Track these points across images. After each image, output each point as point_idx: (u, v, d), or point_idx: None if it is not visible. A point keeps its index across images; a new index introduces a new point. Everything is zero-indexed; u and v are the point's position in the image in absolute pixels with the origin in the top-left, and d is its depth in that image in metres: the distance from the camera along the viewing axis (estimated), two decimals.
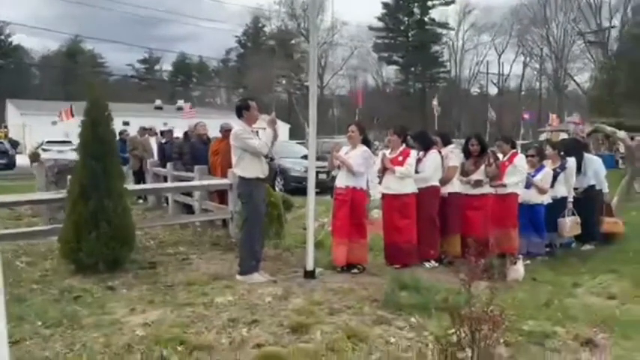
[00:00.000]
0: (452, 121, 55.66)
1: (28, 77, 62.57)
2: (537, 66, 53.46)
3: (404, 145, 5.68)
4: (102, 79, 61.48)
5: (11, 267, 5.13)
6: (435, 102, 24.56)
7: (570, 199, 6.78)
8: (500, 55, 56.20)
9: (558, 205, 6.72)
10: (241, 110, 4.75)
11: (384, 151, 5.82)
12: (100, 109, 5.09)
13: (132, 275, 4.95)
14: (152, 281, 4.77)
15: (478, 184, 5.86)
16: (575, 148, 7.18)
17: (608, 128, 9.07)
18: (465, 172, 5.95)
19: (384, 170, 5.64)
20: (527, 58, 54.24)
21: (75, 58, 61.27)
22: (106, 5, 66.25)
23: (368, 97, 59.05)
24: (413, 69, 60.30)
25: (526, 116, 28.84)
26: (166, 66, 70.97)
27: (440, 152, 5.82)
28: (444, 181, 5.82)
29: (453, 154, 5.95)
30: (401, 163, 5.54)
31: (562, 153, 6.85)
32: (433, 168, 5.68)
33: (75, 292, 4.40)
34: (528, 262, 6.23)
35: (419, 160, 5.72)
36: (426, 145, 5.80)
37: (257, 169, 4.68)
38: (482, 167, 5.88)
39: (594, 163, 7.17)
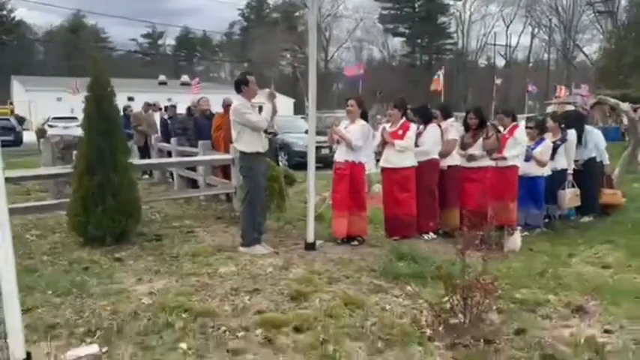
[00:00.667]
0: (459, 94, 55.23)
1: (32, 53, 62.41)
2: (546, 37, 52.58)
3: (404, 119, 5.73)
4: (105, 54, 61.20)
5: (21, 240, 5.30)
6: (440, 75, 24.23)
7: (570, 171, 6.83)
8: (507, 27, 55.30)
9: (558, 177, 6.77)
10: (240, 85, 4.81)
11: (384, 125, 5.87)
12: (102, 84, 5.16)
13: (138, 247, 5.10)
14: (158, 253, 4.93)
15: (472, 157, 5.92)
16: (575, 120, 7.19)
17: (612, 100, 9.03)
18: (464, 145, 6.01)
19: (384, 144, 5.71)
20: (536, 29, 53.40)
21: (78, 33, 60.89)
22: None
23: (373, 71, 58.65)
24: (419, 40, 59.58)
25: (531, 88, 28.52)
26: (170, 41, 70.53)
27: (439, 126, 5.87)
28: (444, 154, 5.88)
29: (453, 128, 6.00)
30: (401, 137, 5.60)
31: (562, 125, 6.86)
32: (432, 141, 5.74)
33: (84, 264, 4.56)
34: (526, 233, 6.34)
35: (419, 134, 5.77)
36: (425, 119, 5.85)
37: (257, 144, 4.76)
38: (480, 140, 5.92)
39: (595, 135, 7.19)
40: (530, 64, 55.88)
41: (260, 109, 4.89)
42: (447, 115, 6.15)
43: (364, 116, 5.43)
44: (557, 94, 24.85)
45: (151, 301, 3.66)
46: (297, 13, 57.09)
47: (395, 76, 55.91)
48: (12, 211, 2.50)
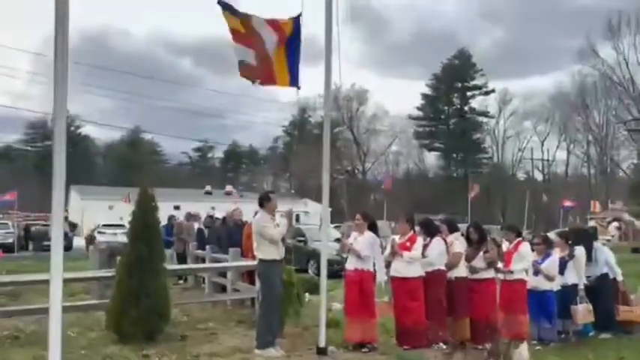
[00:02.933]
0: (496, 207, 55.15)
1: (92, 164, 67.76)
2: (581, 152, 53.12)
3: (412, 232, 6.28)
4: (158, 166, 65.81)
5: (64, 335, 5.89)
6: (474, 189, 24.87)
7: (581, 287, 6.99)
8: (542, 142, 56.31)
9: (570, 292, 6.93)
10: (263, 201, 5.58)
11: (394, 237, 6.42)
12: (148, 199, 6.06)
13: (165, 346, 5.60)
14: (181, 352, 5.41)
15: (473, 270, 6.30)
16: (583, 236, 7.49)
17: (627, 217, 9.28)
18: (467, 258, 6.42)
19: (394, 254, 6.21)
20: (571, 145, 54.12)
21: (135, 146, 66.25)
22: (167, 98, 72.28)
23: (409, 183, 60.02)
24: (455, 155, 61.24)
25: (568, 204, 28.56)
26: (218, 153, 75.29)
27: (444, 239, 6.36)
28: (450, 266, 6.29)
29: (458, 241, 6.45)
30: (408, 249, 6.11)
31: (570, 242, 7.18)
32: (437, 253, 6.20)
33: (115, 358, 5.09)
34: (539, 347, 6.44)
35: (425, 246, 6.26)
36: (430, 232, 6.37)
37: (274, 252, 5.40)
38: (481, 254, 6.34)
39: (604, 251, 7.42)
40: (570, 179, 55.92)
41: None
42: (453, 229, 6.65)
43: (373, 227, 6.02)
44: (592, 209, 24.80)
45: None
46: (335, 130, 60.41)
47: (431, 188, 56.93)
48: None
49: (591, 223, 28.15)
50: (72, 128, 66.01)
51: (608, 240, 23.16)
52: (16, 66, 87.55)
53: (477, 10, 77.72)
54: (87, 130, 65.67)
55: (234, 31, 5.17)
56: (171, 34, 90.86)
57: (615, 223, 18.40)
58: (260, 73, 5.38)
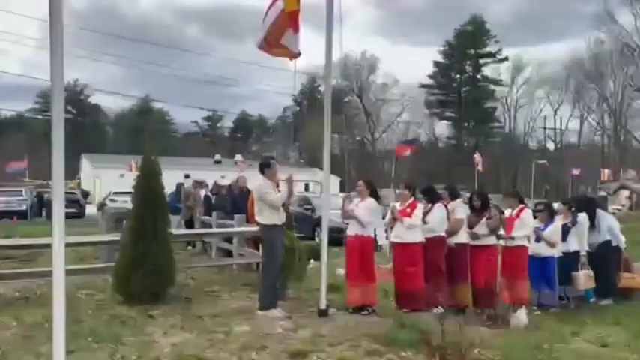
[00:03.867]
0: (507, 176, 54.87)
1: (103, 133, 68.24)
2: (595, 121, 52.29)
3: (412, 199, 6.31)
4: (168, 135, 66.07)
5: (73, 297, 6.08)
6: (477, 157, 24.77)
7: (583, 253, 7.03)
8: (555, 111, 55.46)
9: (571, 258, 6.98)
10: (263, 168, 5.63)
11: (394, 204, 6.46)
12: (151, 164, 6.13)
13: (170, 307, 5.77)
14: (186, 312, 5.57)
15: (475, 236, 6.35)
16: (586, 204, 7.48)
17: (634, 185, 9.21)
18: (469, 225, 6.46)
19: (394, 221, 6.26)
20: (585, 114, 53.23)
21: (145, 115, 66.40)
22: (176, 66, 71.88)
23: (420, 152, 59.69)
24: (466, 124, 60.60)
25: (575, 172, 28.31)
26: (228, 123, 75.29)
27: (446, 206, 6.39)
28: (451, 233, 6.34)
29: (460, 208, 6.49)
30: (409, 215, 6.15)
31: (573, 209, 7.18)
32: (438, 220, 6.24)
33: (122, 318, 5.27)
34: (538, 312, 6.54)
35: (426, 213, 6.30)
36: (432, 199, 6.39)
37: (275, 218, 5.48)
38: (484, 220, 6.37)
39: (607, 219, 7.42)
40: (583, 148, 55.26)
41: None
42: (454, 196, 6.67)
43: (374, 195, 6.07)
44: (602, 178, 24.59)
45: (171, 352, 4.27)
46: (345, 99, 59.93)
47: (441, 157, 56.62)
48: (67, 272, 3.21)
49: (601, 193, 28.06)
50: (82, 97, 66.36)
51: (619, 209, 23.08)
52: (25, 33, 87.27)
53: None
54: (97, 98, 65.95)
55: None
56: (181, 1, 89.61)
57: (626, 192, 18.27)
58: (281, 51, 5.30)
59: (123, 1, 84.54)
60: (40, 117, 61.80)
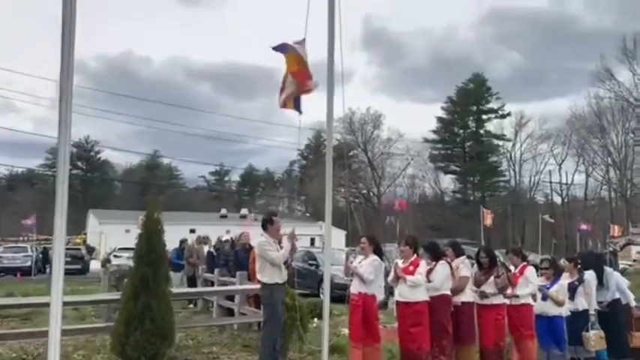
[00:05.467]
0: (515, 231, 54.33)
1: (111, 189, 68.94)
2: (600, 175, 52.21)
3: (415, 256, 6.24)
4: (175, 189, 66.62)
5: (69, 358, 5.96)
6: (486, 212, 24.62)
7: (592, 312, 6.84)
8: (560, 165, 55.58)
9: (581, 318, 6.79)
10: (266, 224, 5.63)
11: (397, 261, 6.39)
12: (154, 222, 6.14)
13: None
14: None
15: (484, 295, 6.22)
16: (593, 261, 7.36)
17: None
18: (477, 283, 6.34)
19: (397, 278, 6.17)
20: (590, 168, 53.27)
21: (153, 170, 67.30)
22: (186, 123, 73.41)
23: (425, 206, 59.55)
24: (471, 178, 60.74)
25: (584, 227, 28.01)
26: (235, 177, 76.04)
27: (449, 263, 6.30)
28: (456, 291, 6.21)
29: (464, 265, 6.39)
30: (412, 273, 6.06)
31: (579, 266, 7.06)
32: (442, 278, 6.13)
33: None
34: None
35: (430, 270, 6.21)
36: (435, 256, 6.32)
37: (276, 276, 5.42)
38: (492, 278, 6.26)
39: (615, 276, 7.28)
40: (592, 202, 54.91)
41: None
42: (458, 253, 6.59)
43: (377, 251, 6.01)
44: (612, 233, 24.26)
45: None
46: (350, 153, 60.58)
47: (447, 211, 56.44)
48: (65, 332, 3.18)
49: (610, 248, 27.61)
50: (92, 153, 67.62)
51: (630, 265, 22.58)
52: (39, 93, 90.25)
53: (491, 34, 78.24)
54: (106, 154, 67.13)
55: (291, 64, 5.20)
56: (192, 61, 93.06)
57: (636, 248, 17.93)
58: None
59: (136, 60, 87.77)
60: (49, 173, 62.71)
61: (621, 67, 46.07)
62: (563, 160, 55.02)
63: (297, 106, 5.60)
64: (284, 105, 5.53)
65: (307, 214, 60.77)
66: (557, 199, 57.62)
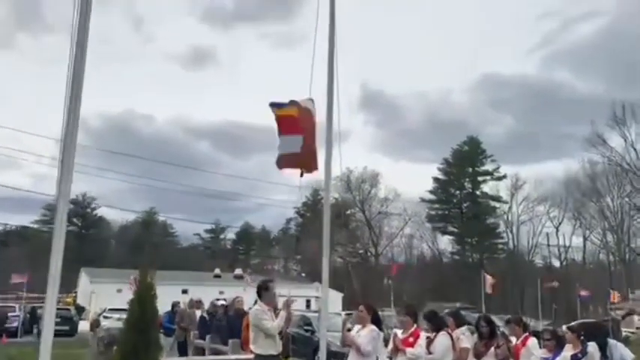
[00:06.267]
0: (514, 294, 53.36)
1: (106, 246, 68.17)
2: (598, 239, 52.05)
3: (415, 326, 6.08)
4: (170, 248, 65.93)
5: None
6: (488, 278, 24.32)
7: None
8: (557, 228, 55.48)
9: None
10: (261, 291, 5.51)
11: (396, 331, 6.21)
12: (147, 288, 6.01)
13: None
14: None
15: None
16: (596, 332, 7.18)
17: None
18: (477, 354, 6.15)
19: (396, 350, 5.97)
20: (587, 232, 53.17)
21: (149, 228, 66.80)
22: (183, 180, 73.92)
23: (423, 267, 58.78)
24: (469, 239, 60.43)
25: (584, 294, 27.58)
26: (230, 235, 75.43)
27: (450, 333, 6.13)
28: None
29: (465, 336, 6.21)
30: (412, 344, 5.88)
31: (582, 337, 6.87)
32: (443, 349, 5.95)
33: None
34: None
35: (430, 341, 6.03)
36: (436, 326, 6.16)
37: (271, 347, 5.24)
38: (492, 350, 6.07)
39: (619, 348, 7.07)
40: (591, 265, 54.39)
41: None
42: (459, 323, 6.43)
43: (376, 320, 5.85)
44: (612, 299, 23.86)
45: None
46: (348, 212, 60.59)
47: (445, 273, 55.69)
48: None
49: (613, 315, 27.03)
50: (88, 210, 67.40)
51: (633, 332, 22.01)
52: (39, 151, 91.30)
53: (484, 98, 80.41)
54: (102, 211, 66.88)
55: (285, 120, 5.18)
56: (192, 119, 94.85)
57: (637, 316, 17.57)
58: (303, 160, 5.26)
59: (138, 118, 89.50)
60: (44, 229, 62.28)
61: (612, 132, 47.08)
62: (560, 223, 55.05)
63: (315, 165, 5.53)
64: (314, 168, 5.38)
65: (303, 275, 59.78)
66: (556, 262, 57.15)
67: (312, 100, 5.46)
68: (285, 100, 5.51)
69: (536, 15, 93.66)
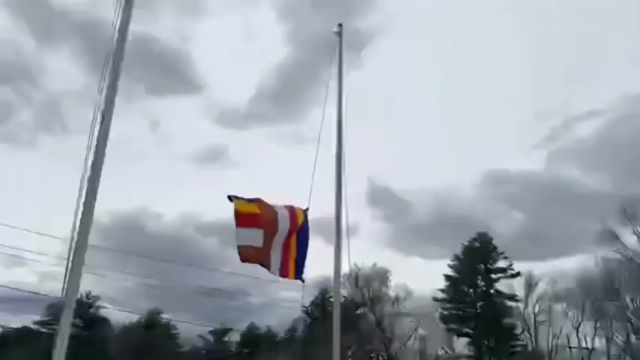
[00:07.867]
0: None
1: (105, 348, 65.46)
2: (621, 341, 49.25)
3: None
4: (172, 351, 63.19)
5: None
6: None
7: None
8: (577, 329, 52.77)
9: None
10: None
11: None
12: None
13: None
14: None
15: None
16: None
17: None
18: None
19: None
20: (610, 333, 50.41)
21: (151, 329, 64.50)
22: (189, 279, 72.73)
23: None
24: (486, 342, 57.39)
25: None
26: (235, 336, 72.39)
27: None
28: None
29: None
30: None
31: None
32: None
33: None
34: None
35: None
36: None
37: None
38: None
39: None
40: None
41: None
42: None
43: None
44: None
45: None
46: (358, 311, 58.52)
47: None
48: None
49: None
50: (91, 309, 65.68)
51: None
52: (46, 250, 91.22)
53: (492, 194, 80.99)
54: (106, 311, 65.15)
55: (243, 216, 5.33)
56: (201, 216, 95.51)
57: None
58: (265, 256, 5.41)
59: (149, 216, 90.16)
60: (44, 330, 60.45)
61: (625, 229, 46.43)
62: (579, 324, 52.45)
63: (299, 274, 5.53)
64: (285, 275, 5.46)
65: None
66: None
67: (304, 210, 5.54)
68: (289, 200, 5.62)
69: (537, 113, 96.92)
